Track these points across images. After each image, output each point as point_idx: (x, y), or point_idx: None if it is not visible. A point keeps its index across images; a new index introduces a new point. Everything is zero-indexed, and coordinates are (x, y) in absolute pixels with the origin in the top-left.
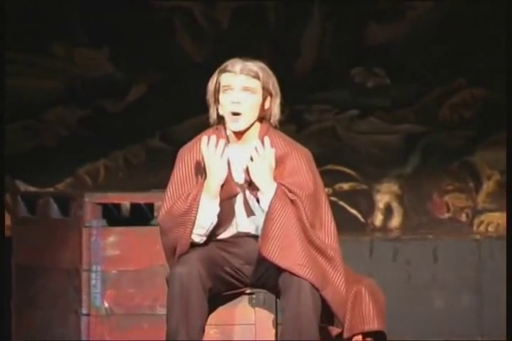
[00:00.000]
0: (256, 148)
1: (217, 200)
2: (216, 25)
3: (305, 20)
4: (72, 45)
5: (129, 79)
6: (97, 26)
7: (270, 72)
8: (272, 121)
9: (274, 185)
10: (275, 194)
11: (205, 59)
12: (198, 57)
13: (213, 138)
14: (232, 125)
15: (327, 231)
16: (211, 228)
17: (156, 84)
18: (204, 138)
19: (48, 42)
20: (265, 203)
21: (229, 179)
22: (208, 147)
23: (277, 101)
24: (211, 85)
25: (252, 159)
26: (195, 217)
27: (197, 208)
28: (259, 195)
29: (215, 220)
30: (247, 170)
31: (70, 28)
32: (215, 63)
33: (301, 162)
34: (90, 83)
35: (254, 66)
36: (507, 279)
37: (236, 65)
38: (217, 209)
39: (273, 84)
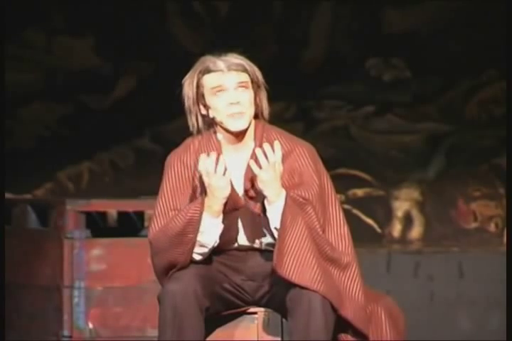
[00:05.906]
0: (264, 153)
1: (221, 218)
2: (214, 12)
3: (314, 4)
4: (50, 33)
5: (115, 71)
6: (78, 11)
7: (251, 62)
8: (264, 115)
9: (283, 193)
10: (285, 204)
11: (201, 49)
12: (193, 47)
13: (213, 155)
14: (234, 124)
15: (339, 234)
16: (214, 246)
17: (146, 77)
18: (202, 156)
19: (23, 30)
20: (274, 213)
21: (231, 190)
22: (206, 166)
23: (264, 92)
24: (190, 90)
25: (255, 163)
26: (195, 237)
27: (197, 227)
28: (266, 204)
29: (218, 239)
30: (248, 177)
31: (47, 13)
32: None
33: (306, 160)
34: (72, 76)
35: (237, 59)
36: (507, 283)
37: (218, 62)
38: (221, 227)
39: (259, 75)
